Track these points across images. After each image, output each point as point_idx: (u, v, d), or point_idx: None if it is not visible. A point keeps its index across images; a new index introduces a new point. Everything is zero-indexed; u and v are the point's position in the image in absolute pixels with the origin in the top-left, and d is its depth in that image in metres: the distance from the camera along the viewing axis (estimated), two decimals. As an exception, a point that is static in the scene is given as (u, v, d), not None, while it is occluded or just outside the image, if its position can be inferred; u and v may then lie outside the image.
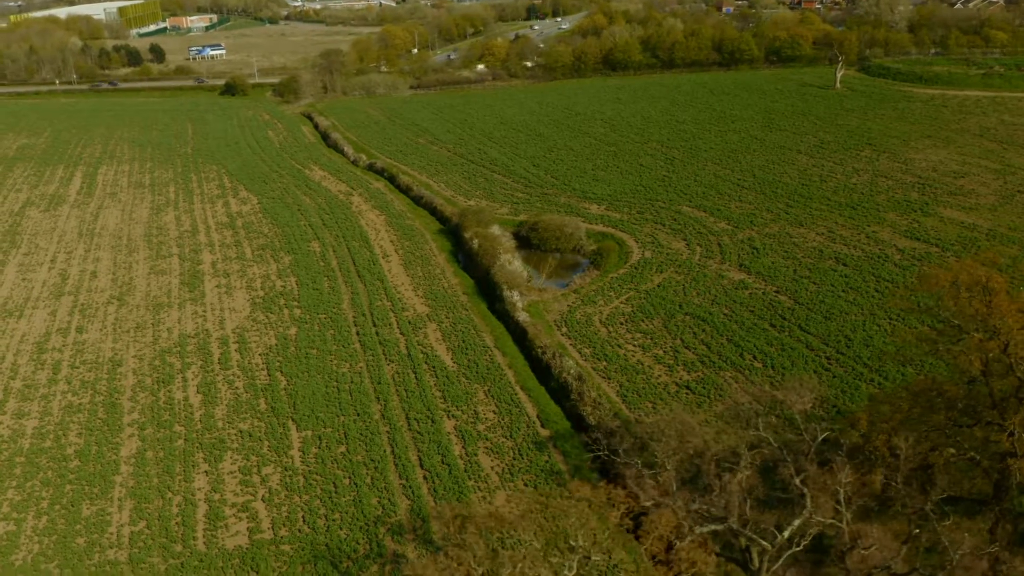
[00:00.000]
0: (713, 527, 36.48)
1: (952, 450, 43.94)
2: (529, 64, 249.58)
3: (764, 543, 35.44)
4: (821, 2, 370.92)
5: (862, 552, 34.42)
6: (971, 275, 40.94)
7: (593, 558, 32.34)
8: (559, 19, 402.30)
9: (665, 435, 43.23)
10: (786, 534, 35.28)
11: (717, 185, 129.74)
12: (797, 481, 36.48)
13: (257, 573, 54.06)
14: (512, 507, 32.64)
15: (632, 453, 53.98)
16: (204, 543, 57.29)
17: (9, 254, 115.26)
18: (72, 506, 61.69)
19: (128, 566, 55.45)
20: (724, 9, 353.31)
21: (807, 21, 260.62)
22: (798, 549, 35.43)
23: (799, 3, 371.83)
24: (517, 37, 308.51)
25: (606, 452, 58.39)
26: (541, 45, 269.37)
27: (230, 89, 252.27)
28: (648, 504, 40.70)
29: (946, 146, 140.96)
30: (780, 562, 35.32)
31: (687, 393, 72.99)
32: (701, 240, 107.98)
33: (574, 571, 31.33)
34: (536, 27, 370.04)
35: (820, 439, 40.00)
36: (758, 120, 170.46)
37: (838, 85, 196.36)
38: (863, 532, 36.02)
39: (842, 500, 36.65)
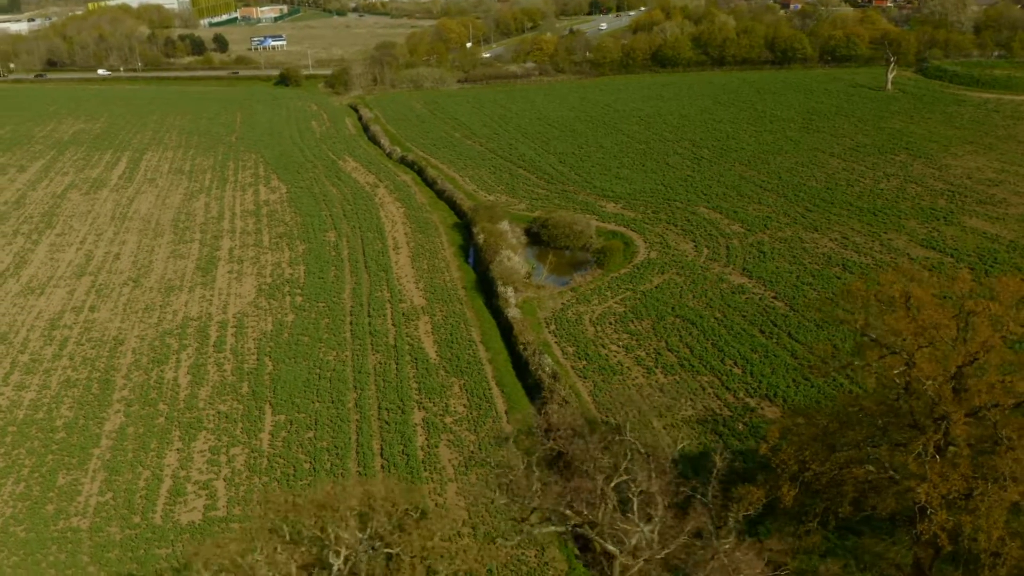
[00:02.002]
0: (555, 528, 36.63)
1: (871, 467, 42.96)
2: (577, 60, 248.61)
3: (611, 547, 35.42)
4: (893, 1, 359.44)
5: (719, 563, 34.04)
6: (887, 289, 39.91)
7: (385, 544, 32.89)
8: (620, 15, 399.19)
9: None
10: (632, 541, 35.15)
11: (740, 186, 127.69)
12: (656, 489, 36.27)
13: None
14: (348, 496, 33.57)
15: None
16: (161, 517, 59.72)
17: (44, 234, 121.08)
18: (49, 475, 64.97)
19: (87, 533, 58.24)
20: (792, 6, 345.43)
21: (868, 20, 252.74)
22: (658, 557, 35.26)
23: (869, 1, 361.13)
24: (571, 32, 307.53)
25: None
26: (593, 41, 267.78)
27: (284, 80, 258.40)
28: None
29: (986, 153, 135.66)
30: (634, 570, 35.15)
31: (659, 395, 72.51)
32: (710, 242, 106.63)
33: (341, 559, 32.11)
34: (596, 23, 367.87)
35: (679, 448, 39.56)
36: (797, 121, 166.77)
37: (889, 87, 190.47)
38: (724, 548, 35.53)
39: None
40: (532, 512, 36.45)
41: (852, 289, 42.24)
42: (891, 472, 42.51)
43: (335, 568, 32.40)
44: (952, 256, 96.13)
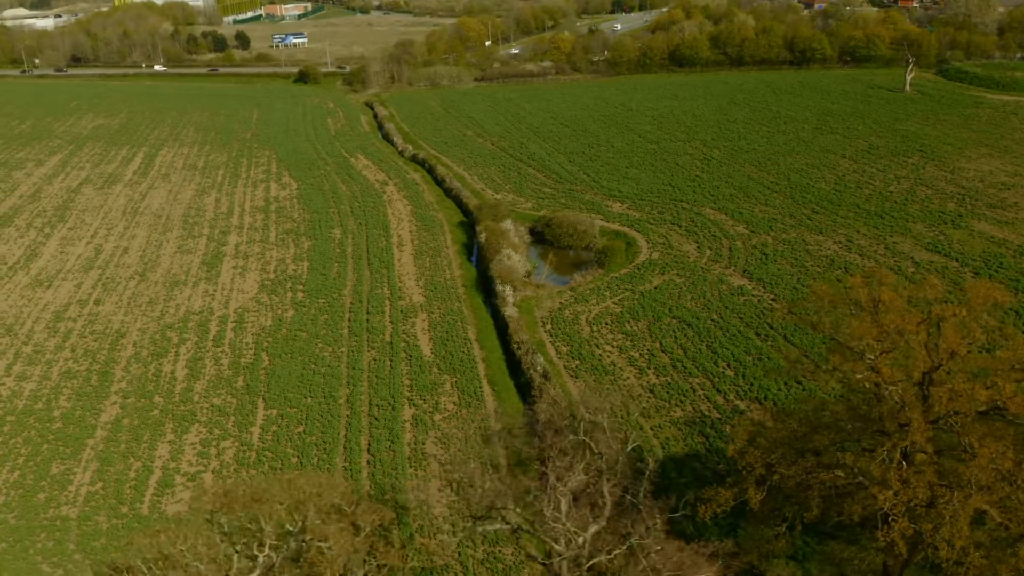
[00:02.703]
0: (497, 527, 36.76)
1: (840, 472, 42.69)
2: (594, 59, 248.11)
3: (557, 547, 35.49)
4: (920, 1, 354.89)
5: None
6: (853, 293, 39.60)
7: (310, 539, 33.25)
8: (644, 13, 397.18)
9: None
10: (580, 540, 35.19)
11: (748, 187, 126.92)
12: (606, 490, 36.25)
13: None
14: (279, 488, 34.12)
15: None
16: (148, 507, 60.68)
17: (56, 228, 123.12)
18: (44, 464, 66.23)
19: (75, 522, 59.33)
20: (816, 5, 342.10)
21: (890, 20, 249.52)
22: (608, 558, 35.27)
23: (895, 1, 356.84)
24: (591, 31, 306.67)
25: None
26: (611, 40, 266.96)
27: (303, 77, 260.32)
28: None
29: (1002, 156, 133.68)
30: (584, 569, 35.20)
31: (649, 396, 72.47)
32: (713, 243, 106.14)
33: (264, 552, 32.46)
34: (617, 23, 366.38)
35: (630, 447, 39.54)
36: (811, 122, 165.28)
37: (908, 88, 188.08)
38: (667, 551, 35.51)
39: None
40: (490, 510, 36.68)
41: (816, 291, 41.92)
42: (860, 478, 42.24)
43: (260, 560, 32.90)
44: (957, 260, 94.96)
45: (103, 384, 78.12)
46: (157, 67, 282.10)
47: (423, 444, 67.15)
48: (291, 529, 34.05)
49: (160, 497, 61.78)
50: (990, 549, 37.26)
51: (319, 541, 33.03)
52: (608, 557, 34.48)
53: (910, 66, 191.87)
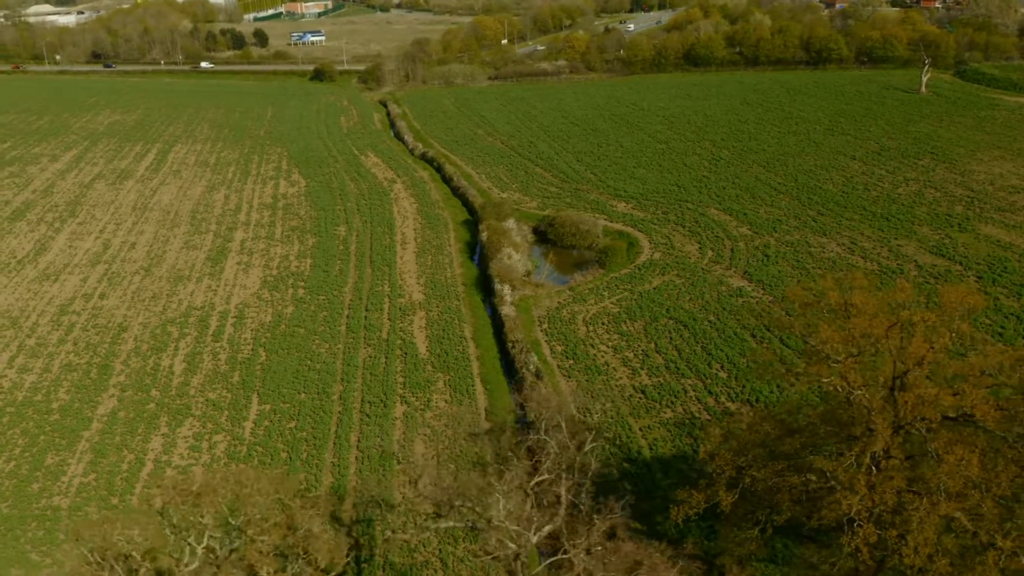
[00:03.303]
0: (451, 524, 36.94)
1: (813, 476, 42.53)
2: (608, 58, 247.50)
3: (512, 544, 35.57)
4: (943, 1, 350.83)
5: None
6: (828, 297, 39.39)
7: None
8: (659, 13, 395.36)
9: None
10: (534, 539, 35.26)
11: (754, 188, 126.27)
12: (562, 490, 36.33)
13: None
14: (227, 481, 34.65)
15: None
16: (138, 499, 61.46)
17: (66, 223, 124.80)
18: (39, 455, 67.27)
19: (66, 512, 60.26)
20: (837, 5, 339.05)
21: (908, 21, 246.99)
22: (564, 557, 35.36)
23: (917, 2, 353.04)
24: (607, 30, 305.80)
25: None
26: (626, 39, 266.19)
27: (319, 75, 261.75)
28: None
29: (1014, 158, 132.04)
30: (541, 567, 35.32)
31: (640, 397, 72.41)
32: (715, 244, 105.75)
33: (201, 546, 32.90)
34: (630, 24, 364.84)
35: (588, 447, 39.47)
36: (823, 122, 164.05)
37: (923, 89, 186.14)
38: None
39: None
40: (449, 508, 36.96)
41: (789, 295, 41.74)
42: (832, 482, 42.06)
43: (198, 552, 33.42)
44: (960, 264, 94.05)
45: (102, 377, 79.18)
46: (204, 64, 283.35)
47: (412, 442, 67.51)
48: (232, 523, 34.58)
49: (150, 489, 62.45)
50: (957, 557, 36.96)
51: (258, 536, 33.49)
52: (550, 560, 34.58)
53: (926, 67, 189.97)
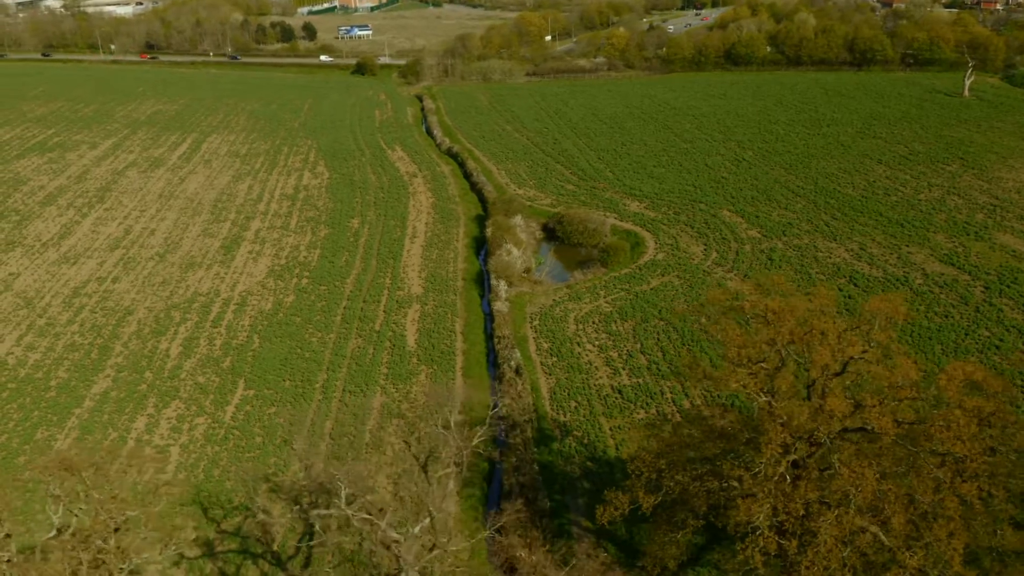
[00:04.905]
0: (328, 512, 37.65)
1: (736, 483, 42.27)
2: (648, 56, 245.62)
3: (395, 535, 36.14)
4: (1006, 4, 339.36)
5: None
6: (752, 305, 39.13)
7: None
8: (711, 11, 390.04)
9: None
10: (416, 530, 35.75)
11: (772, 190, 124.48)
12: (435, 483, 36.69)
13: (139, 508, 59.74)
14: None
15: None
16: (114, 476, 63.68)
17: (93, 208, 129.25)
18: (31, 429, 70.21)
19: (46, 485, 62.76)
20: (894, 5, 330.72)
21: (960, 22, 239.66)
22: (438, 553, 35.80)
23: (977, 3, 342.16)
24: (651, 28, 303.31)
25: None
26: (666, 37, 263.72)
27: (360, 69, 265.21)
28: None
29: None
30: (420, 565, 35.82)
31: (616, 397, 72.37)
32: (722, 246, 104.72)
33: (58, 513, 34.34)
34: (670, 24, 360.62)
35: (470, 447, 39.63)
36: (856, 125, 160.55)
37: (966, 93, 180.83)
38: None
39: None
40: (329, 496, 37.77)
41: (710, 298, 41.55)
42: (754, 489, 41.79)
43: (54, 520, 35.31)
44: (969, 274, 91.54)
45: (101, 358, 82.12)
46: (323, 58, 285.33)
47: (383, 432, 68.66)
48: (96, 496, 36.28)
49: (128, 467, 64.80)
50: (861, 572, 36.53)
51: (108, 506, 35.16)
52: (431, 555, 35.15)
53: (969, 70, 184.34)
